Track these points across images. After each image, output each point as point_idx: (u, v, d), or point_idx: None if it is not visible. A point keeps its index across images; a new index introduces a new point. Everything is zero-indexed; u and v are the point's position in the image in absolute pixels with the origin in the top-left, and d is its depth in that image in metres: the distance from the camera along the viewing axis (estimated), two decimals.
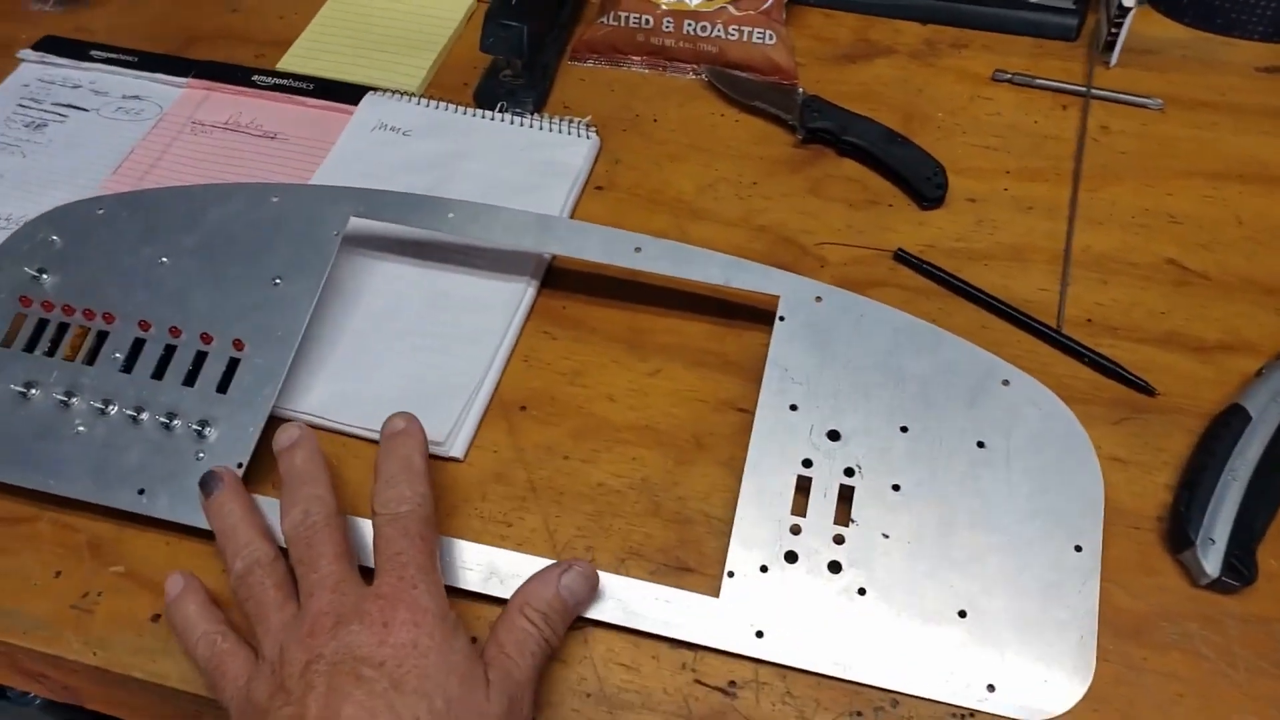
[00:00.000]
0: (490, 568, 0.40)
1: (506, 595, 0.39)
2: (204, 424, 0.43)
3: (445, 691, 0.34)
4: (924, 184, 0.50)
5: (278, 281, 0.46)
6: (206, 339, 0.45)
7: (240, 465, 0.42)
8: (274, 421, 0.44)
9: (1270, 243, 0.48)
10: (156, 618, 0.40)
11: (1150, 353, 0.45)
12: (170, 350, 0.45)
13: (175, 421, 0.43)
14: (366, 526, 0.41)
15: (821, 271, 0.49)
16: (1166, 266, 0.48)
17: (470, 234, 0.48)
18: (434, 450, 0.44)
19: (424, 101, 0.57)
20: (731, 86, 0.56)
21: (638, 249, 0.47)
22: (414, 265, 0.50)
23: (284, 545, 0.39)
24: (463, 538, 0.41)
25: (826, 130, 0.53)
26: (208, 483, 0.41)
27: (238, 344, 0.44)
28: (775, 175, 0.53)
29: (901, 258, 0.49)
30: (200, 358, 0.44)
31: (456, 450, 0.44)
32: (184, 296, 0.46)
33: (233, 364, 0.44)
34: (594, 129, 0.55)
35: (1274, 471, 0.40)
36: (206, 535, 0.41)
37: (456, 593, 0.40)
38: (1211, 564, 0.38)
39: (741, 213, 0.52)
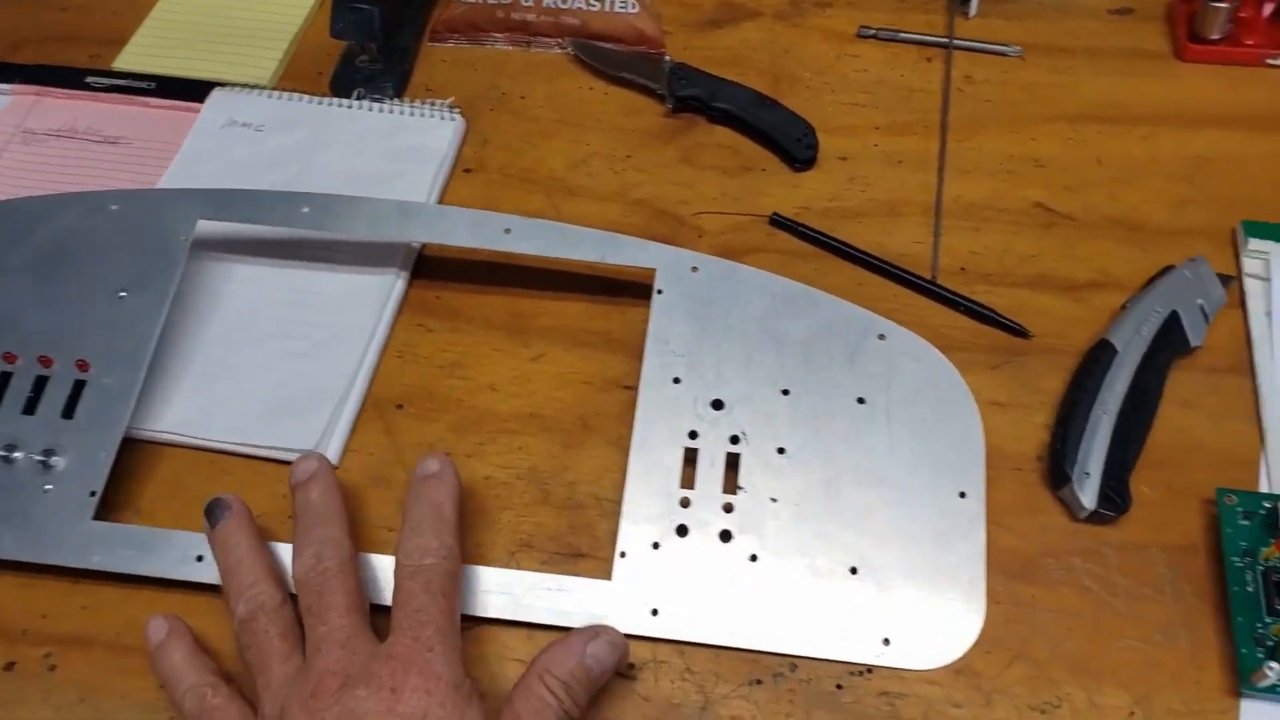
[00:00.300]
0: (370, 576, 0.38)
1: (386, 602, 0.37)
2: (49, 453, 0.40)
3: None
4: (794, 146, 0.50)
5: (123, 295, 0.43)
6: (46, 362, 0.42)
7: (93, 494, 0.39)
8: (130, 444, 0.41)
9: (1130, 180, 0.49)
10: (10, 666, 0.37)
11: (1024, 296, 0.46)
12: (5, 377, 0.42)
13: (15, 453, 0.40)
14: (381, 563, 0.38)
15: (700, 241, 0.49)
16: (1034, 210, 0.49)
17: (328, 228, 0.45)
18: None
19: (276, 94, 0.54)
20: (597, 59, 0.54)
21: (507, 230, 0.45)
22: (274, 266, 0.48)
23: (293, 590, 0.36)
24: None
25: (695, 98, 0.52)
26: (213, 511, 0.39)
27: (82, 365, 0.41)
28: (648, 147, 0.52)
29: (777, 221, 0.49)
30: (40, 382, 0.41)
31: (330, 456, 0.42)
32: (16, 319, 0.43)
33: (78, 386, 0.41)
34: (458, 110, 0.53)
35: (1141, 402, 0.41)
36: (62, 572, 0.38)
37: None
38: (1088, 497, 0.39)
39: (616, 187, 0.51)
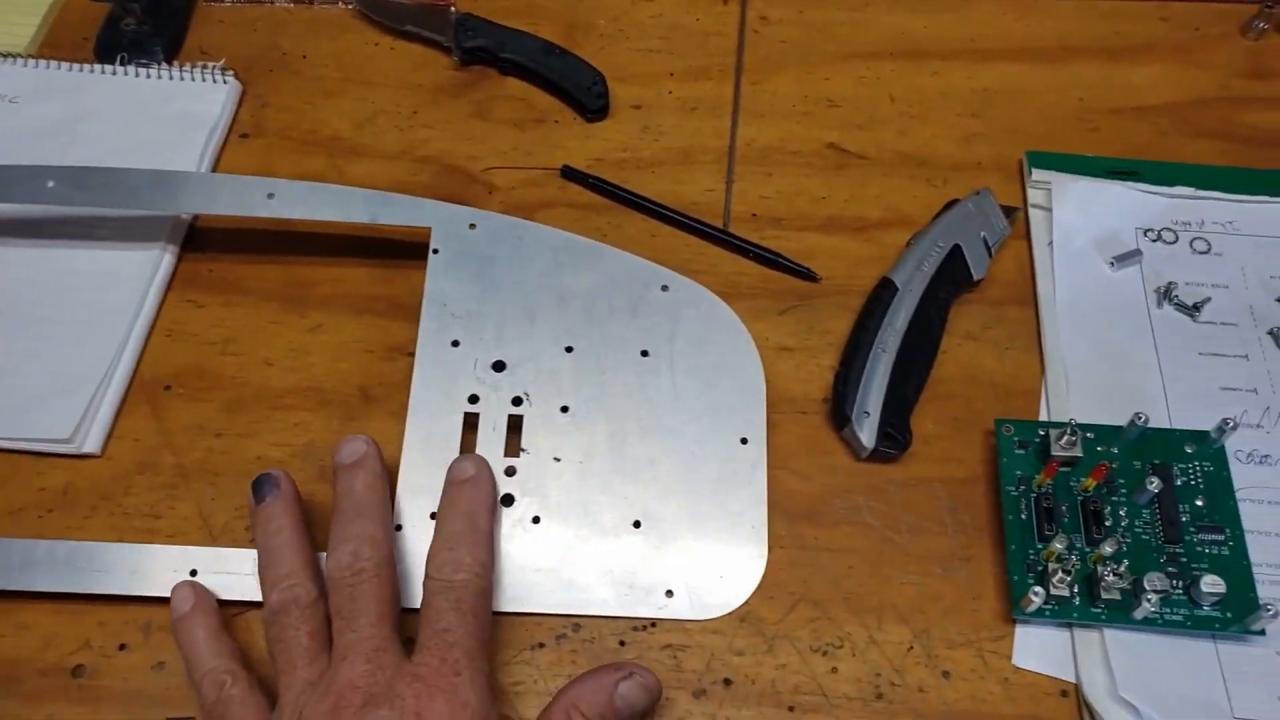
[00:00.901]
0: (132, 566, 0.36)
1: (159, 592, 0.36)
2: None
3: None
4: (585, 95, 0.48)
5: None
6: None
7: None
8: None
9: (920, 115, 0.49)
10: None
11: (814, 239, 0.45)
12: None
13: None
14: (151, 554, 0.36)
15: (489, 198, 0.47)
16: (827, 151, 0.48)
17: (77, 203, 0.42)
18: (61, 449, 0.39)
19: (34, 62, 0.50)
20: (381, 13, 0.51)
21: (270, 195, 0.42)
22: (32, 246, 0.44)
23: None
24: (105, 540, 0.37)
25: (483, 49, 0.50)
26: (260, 486, 0.37)
27: None
28: (437, 102, 0.50)
29: (569, 174, 0.47)
30: None
31: (90, 445, 0.40)
32: None
33: None
34: (231, 73, 0.49)
35: (923, 338, 0.41)
36: None
37: (95, 598, 0.36)
38: (868, 436, 0.39)
39: (403, 145, 0.48)
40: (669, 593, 0.37)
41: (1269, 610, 0.35)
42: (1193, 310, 0.43)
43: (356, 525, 0.35)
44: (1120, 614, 0.36)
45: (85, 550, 0.37)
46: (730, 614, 0.37)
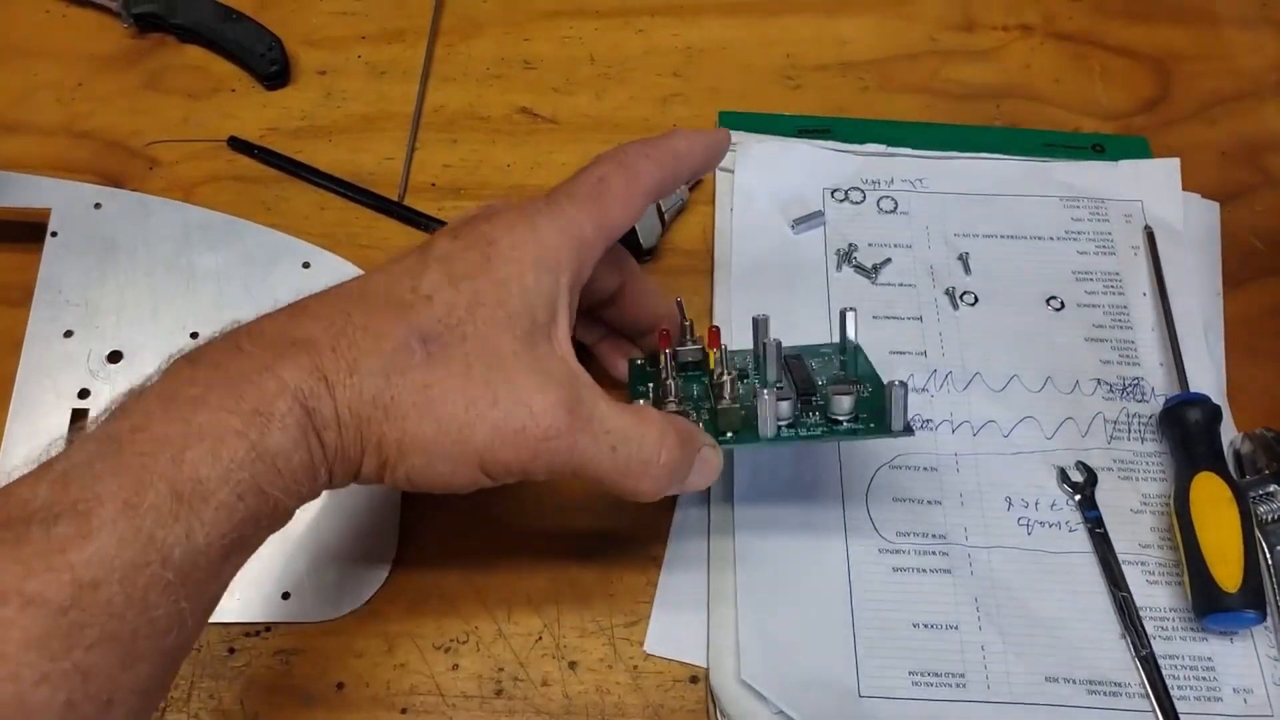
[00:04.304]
0: None
1: None
2: None
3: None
4: (259, 61, 0.45)
5: None
6: None
7: None
8: None
9: (619, 76, 0.47)
10: None
11: None
12: None
13: None
14: None
15: (150, 174, 0.43)
16: (518, 116, 0.45)
17: None
18: None
19: None
20: None
21: None
22: None
23: None
24: None
25: (154, 15, 0.46)
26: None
27: None
28: (107, 73, 0.46)
29: (236, 145, 0.44)
30: None
31: None
32: None
33: None
34: None
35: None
36: None
37: None
38: None
39: (62, 120, 0.45)
40: (285, 595, 0.34)
41: (899, 384, 0.30)
42: (871, 272, 0.41)
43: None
44: (746, 434, 0.31)
45: None
46: (351, 614, 0.34)
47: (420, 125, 0.45)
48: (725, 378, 0.32)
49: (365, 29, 0.48)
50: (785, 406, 0.32)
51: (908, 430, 0.31)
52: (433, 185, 0.44)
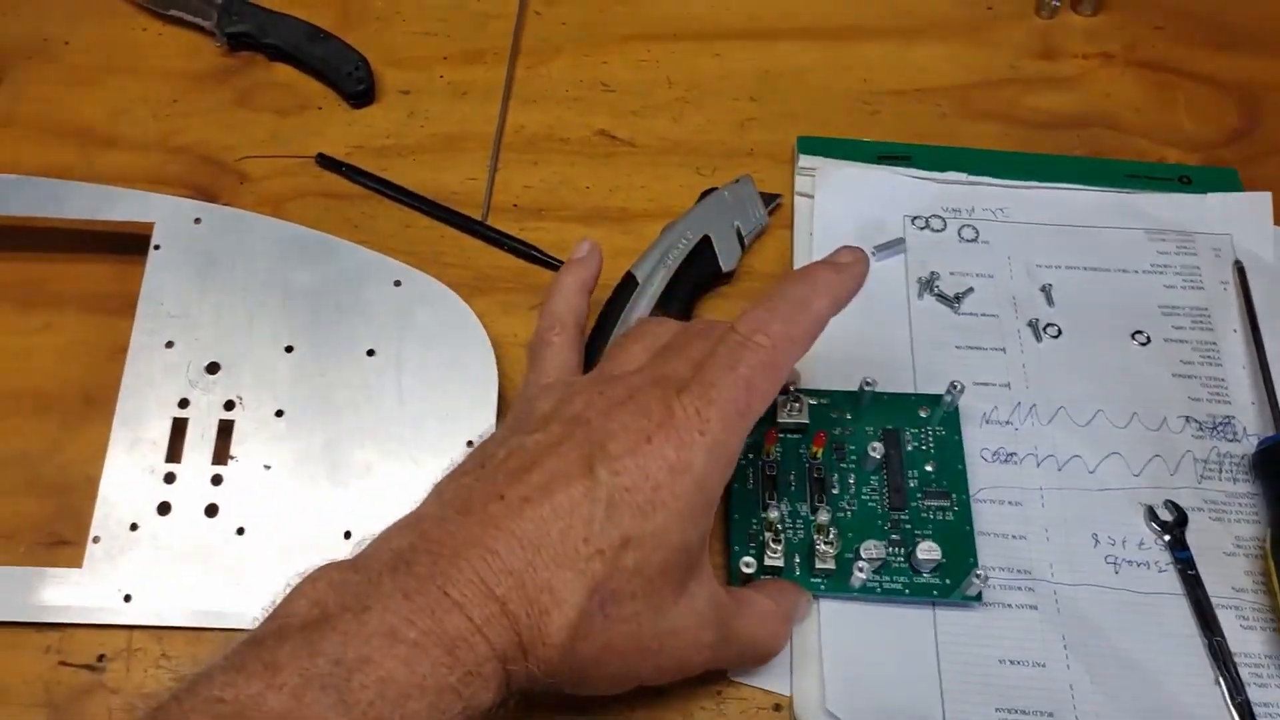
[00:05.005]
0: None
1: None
2: None
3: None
4: (346, 81, 0.46)
5: None
6: None
7: None
8: None
9: (696, 100, 0.47)
10: None
11: (575, 230, 0.43)
12: None
13: None
14: None
15: (241, 189, 0.44)
16: (597, 139, 0.46)
17: None
18: None
19: None
20: None
21: None
22: None
23: None
24: None
25: (247, 34, 0.47)
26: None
27: None
28: (200, 90, 0.47)
29: (324, 162, 0.45)
30: None
31: None
32: None
33: None
34: None
35: None
36: None
37: None
38: None
39: (158, 135, 0.46)
40: None
41: (981, 574, 0.33)
42: (953, 301, 0.41)
43: (758, 307, 0.31)
44: (837, 583, 0.35)
45: None
46: None
47: (501, 146, 0.46)
48: (826, 546, 0.34)
49: (447, 49, 0.49)
50: (877, 549, 0.34)
51: (979, 599, 0.34)
52: (514, 206, 0.44)
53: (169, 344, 0.39)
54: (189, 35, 0.50)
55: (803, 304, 0.32)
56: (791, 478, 0.37)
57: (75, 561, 0.36)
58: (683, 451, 0.29)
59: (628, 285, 0.40)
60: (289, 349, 0.39)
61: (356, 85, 0.46)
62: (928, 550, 0.34)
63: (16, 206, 0.40)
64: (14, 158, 0.46)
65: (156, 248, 0.40)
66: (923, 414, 0.37)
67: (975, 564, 0.35)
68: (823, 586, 0.35)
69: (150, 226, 0.41)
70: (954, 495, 0.36)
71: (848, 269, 0.33)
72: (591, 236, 0.42)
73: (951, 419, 0.37)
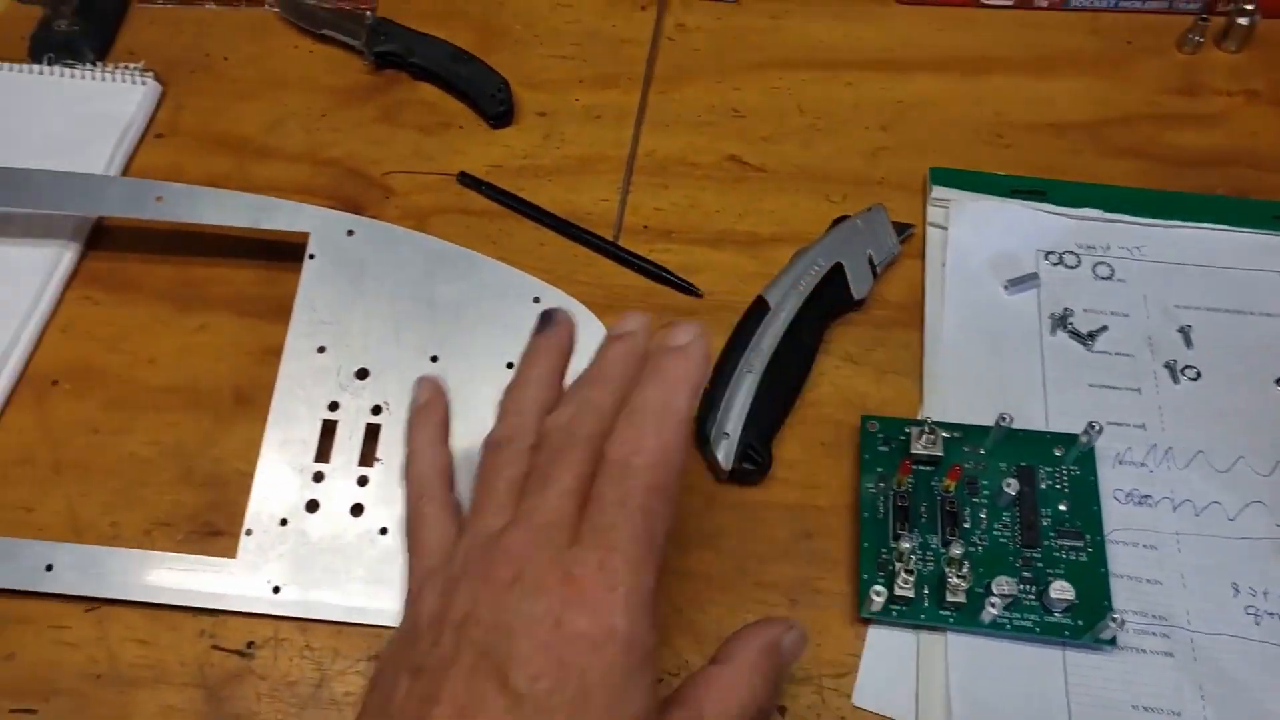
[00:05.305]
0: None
1: (14, 585, 0.36)
2: None
3: None
4: (488, 102, 0.48)
5: None
6: None
7: None
8: None
9: (827, 128, 0.48)
10: None
11: (704, 253, 0.44)
12: None
13: None
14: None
15: (386, 202, 0.47)
16: (727, 163, 0.47)
17: None
18: None
19: None
20: (300, 16, 0.52)
21: (159, 198, 0.43)
22: None
23: None
24: None
25: (394, 54, 0.49)
26: (545, 319, 0.34)
27: None
28: (347, 105, 0.50)
29: (465, 180, 0.47)
30: None
31: None
32: None
33: None
34: (150, 75, 0.50)
35: (791, 360, 0.40)
36: None
37: None
38: (725, 457, 0.38)
39: (308, 147, 0.49)
40: None
41: (1117, 618, 0.33)
42: (1086, 339, 0.40)
43: (589, 390, 0.31)
44: (967, 618, 0.35)
45: None
46: None
47: (633, 169, 0.47)
48: (959, 579, 0.34)
49: (582, 74, 0.50)
50: (1009, 585, 0.34)
51: (1113, 642, 0.34)
52: (645, 227, 0.45)
53: (321, 349, 0.41)
54: (339, 53, 0.52)
55: (667, 408, 0.30)
56: (923, 509, 0.37)
57: (229, 552, 0.38)
58: (599, 618, 0.26)
59: (759, 309, 0.40)
60: (434, 358, 0.41)
61: (498, 106, 0.48)
62: (1061, 590, 0.34)
63: (185, 213, 0.43)
64: (176, 164, 0.49)
65: (311, 257, 0.43)
66: (1057, 453, 0.37)
67: (1110, 607, 0.34)
68: (951, 619, 0.35)
69: (305, 236, 0.43)
70: (1088, 536, 0.36)
71: (693, 349, 0.31)
72: (719, 259, 0.44)
73: (1087, 459, 0.37)
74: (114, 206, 0.43)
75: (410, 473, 0.35)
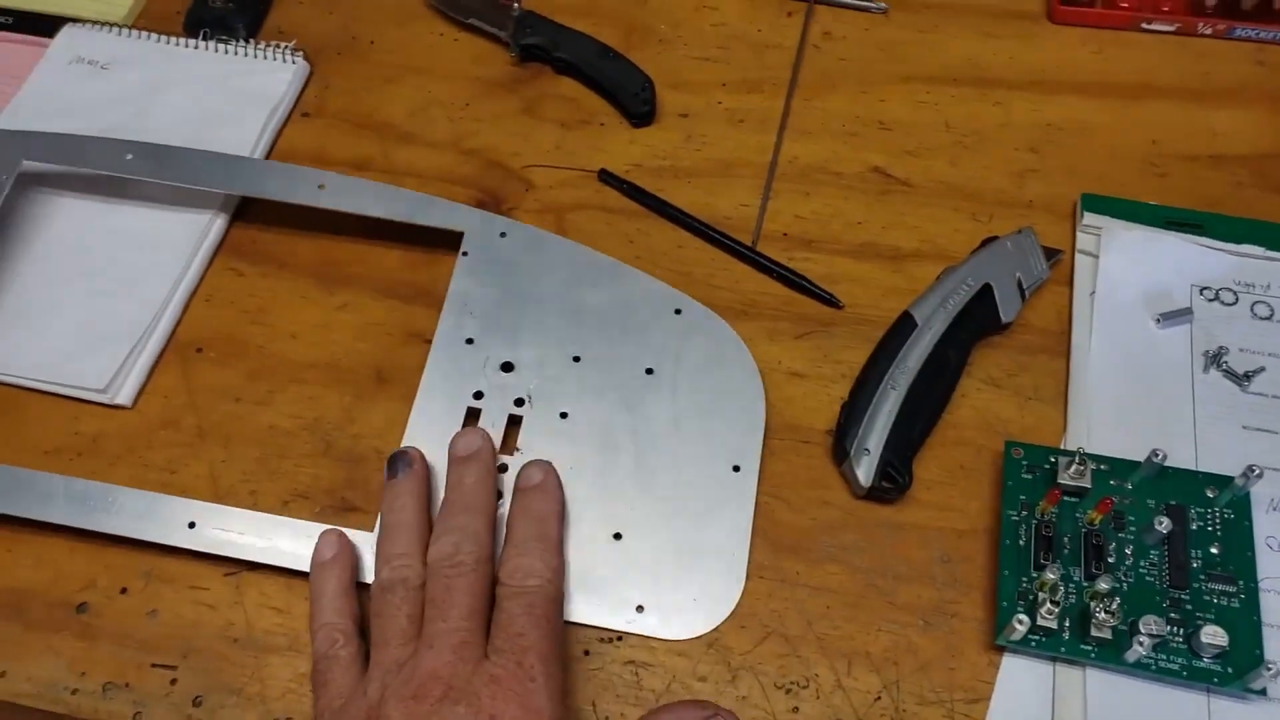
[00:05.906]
0: (139, 511, 0.38)
1: (159, 539, 0.37)
2: None
3: None
4: (631, 100, 0.48)
5: None
6: None
7: None
8: None
9: (974, 146, 0.47)
10: None
11: (844, 264, 0.44)
12: None
13: None
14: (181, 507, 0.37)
15: (526, 195, 0.47)
16: (871, 175, 0.47)
17: (150, 175, 0.45)
18: (96, 398, 0.42)
19: (127, 32, 0.53)
20: (448, 4, 0.52)
21: (321, 186, 0.45)
22: (98, 201, 0.47)
23: None
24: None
25: (539, 47, 0.50)
26: (396, 462, 0.38)
27: None
28: (490, 96, 0.51)
29: (605, 178, 0.47)
30: None
31: (123, 398, 0.42)
32: None
33: None
34: (300, 54, 0.51)
35: (935, 379, 0.39)
36: None
37: (105, 542, 0.38)
38: (865, 474, 0.38)
39: (451, 136, 0.49)
40: (639, 608, 0.37)
41: (1270, 669, 0.33)
42: (1242, 379, 0.39)
43: (462, 519, 0.36)
44: (1110, 654, 0.34)
45: (97, 490, 0.39)
46: (699, 638, 0.36)
47: (775, 175, 0.47)
48: (1106, 615, 0.34)
49: (726, 77, 0.50)
50: (1158, 625, 0.34)
51: (1264, 693, 0.33)
52: (784, 235, 0.45)
53: (469, 340, 0.42)
54: (483, 44, 0.53)
55: (546, 539, 0.36)
56: (1066, 540, 0.36)
57: (363, 526, 0.39)
58: (526, 704, 0.32)
59: (905, 325, 0.40)
60: (576, 359, 0.41)
61: (641, 106, 0.48)
62: (1213, 635, 0.34)
63: (347, 203, 0.44)
64: (321, 145, 0.50)
65: (464, 254, 0.43)
66: (1209, 494, 0.36)
67: (1263, 656, 0.34)
68: (1093, 654, 0.34)
69: (459, 235, 0.44)
70: (1241, 582, 0.35)
71: (549, 484, 0.37)
72: (860, 271, 0.44)
73: (1242, 503, 0.36)
74: (278, 190, 0.44)
75: (318, 621, 0.36)
